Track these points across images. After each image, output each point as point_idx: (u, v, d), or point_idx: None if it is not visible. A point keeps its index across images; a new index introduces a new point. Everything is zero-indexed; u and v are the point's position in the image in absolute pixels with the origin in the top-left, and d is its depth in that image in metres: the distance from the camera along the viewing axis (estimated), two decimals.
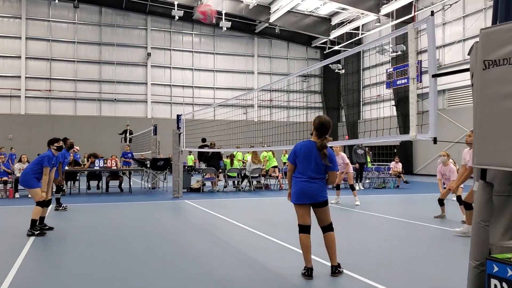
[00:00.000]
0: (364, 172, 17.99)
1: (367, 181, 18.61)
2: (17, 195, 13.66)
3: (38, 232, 7.34)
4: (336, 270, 4.91)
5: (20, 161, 14.28)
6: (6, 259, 5.70)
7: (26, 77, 29.15)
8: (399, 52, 25.10)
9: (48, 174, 7.63)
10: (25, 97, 29.12)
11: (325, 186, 5.01)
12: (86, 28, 30.67)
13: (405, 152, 27.05)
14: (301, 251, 5.06)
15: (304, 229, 4.98)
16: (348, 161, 12.63)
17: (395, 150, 27.40)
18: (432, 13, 3.93)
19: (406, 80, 22.67)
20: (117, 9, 31.00)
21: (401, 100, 26.43)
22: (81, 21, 30.48)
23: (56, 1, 26.47)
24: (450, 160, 10.33)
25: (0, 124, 27.64)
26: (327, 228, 5.02)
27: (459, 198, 8.97)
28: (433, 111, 3.98)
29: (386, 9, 25.60)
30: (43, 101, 29.65)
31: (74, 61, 30.29)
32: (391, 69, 24.85)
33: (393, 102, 27.65)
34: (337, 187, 12.52)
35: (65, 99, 30.04)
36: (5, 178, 13.87)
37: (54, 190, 11.00)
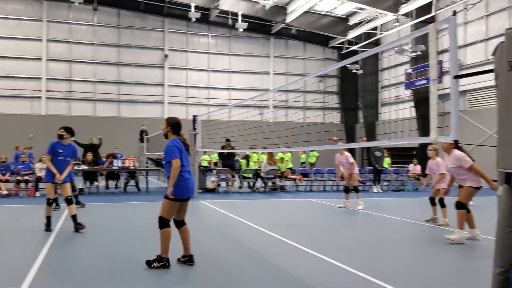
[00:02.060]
0: (382, 175, 17.78)
1: (385, 183, 18.41)
2: (37, 194, 13.86)
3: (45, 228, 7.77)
4: (193, 260, 5.48)
5: (40, 161, 14.49)
6: (27, 257, 5.77)
7: (46, 79, 29.61)
8: (419, 52, 24.74)
9: (49, 161, 7.76)
10: (46, 98, 29.59)
11: None
12: (105, 30, 31.00)
13: (424, 154, 26.60)
14: (314, 253, 4.98)
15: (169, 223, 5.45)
16: (352, 160, 11.87)
17: (414, 152, 27.00)
18: (454, 13, 3.84)
19: (426, 81, 22.36)
20: (135, 11, 31.25)
21: (421, 101, 26.02)
22: (100, 24, 30.82)
23: (76, 4, 26.81)
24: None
25: (21, 125, 28.08)
26: (184, 222, 5.59)
27: (441, 200, 8.91)
28: (454, 113, 3.89)
29: (405, 8, 25.24)
30: (63, 102, 30.07)
31: (93, 62, 30.64)
32: (410, 70, 24.53)
33: (412, 103, 27.27)
34: (346, 190, 11.89)
35: (85, 100, 30.42)
36: (27, 177, 14.12)
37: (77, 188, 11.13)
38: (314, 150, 22.34)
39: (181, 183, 5.29)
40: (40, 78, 29.44)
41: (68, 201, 7.85)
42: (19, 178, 14.04)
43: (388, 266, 5.73)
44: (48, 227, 7.78)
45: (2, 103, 28.76)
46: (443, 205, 8.81)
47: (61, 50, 30.03)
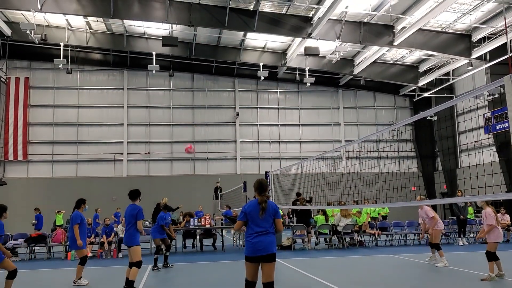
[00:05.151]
0: (467, 226, 16.63)
1: (471, 235, 17.18)
2: (120, 254, 14.44)
3: None
4: None
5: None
6: None
7: (128, 142, 31.62)
8: (496, 95, 23.59)
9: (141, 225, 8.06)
10: (127, 160, 31.45)
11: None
12: (180, 93, 32.89)
13: None
14: None
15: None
16: (433, 214, 11.03)
17: (501, 200, 25.12)
18: None
19: (507, 124, 21.13)
20: (208, 74, 32.96)
21: (503, 145, 24.53)
22: (175, 88, 32.80)
23: (154, 72, 28.85)
24: None
25: (105, 187, 29.89)
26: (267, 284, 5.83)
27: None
28: None
29: (478, 52, 24.37)
30: (143, 163, 31.74)
31: (170, 124, 32.39)
32: (489, 114, 23.38)
33: (494, 148, 25.73)
34: (437, 247, 10.87)
35: (162, 160, 31.94)
36: (110, 238, 14.79)
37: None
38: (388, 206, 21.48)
39: (247, 244, 5.70)
40: (121, 142, 31.49)
41: (139, 266, 8.06)
42: (103, 240, 14.72)
43: None
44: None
45: (88, 167, 30.95)
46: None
47: (140, 114, 32.14)
